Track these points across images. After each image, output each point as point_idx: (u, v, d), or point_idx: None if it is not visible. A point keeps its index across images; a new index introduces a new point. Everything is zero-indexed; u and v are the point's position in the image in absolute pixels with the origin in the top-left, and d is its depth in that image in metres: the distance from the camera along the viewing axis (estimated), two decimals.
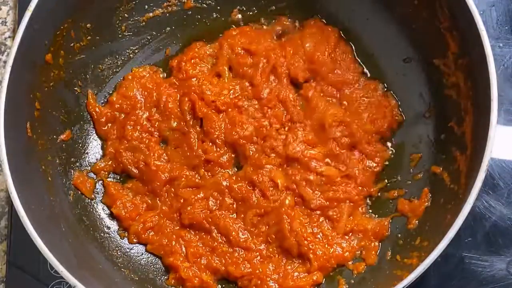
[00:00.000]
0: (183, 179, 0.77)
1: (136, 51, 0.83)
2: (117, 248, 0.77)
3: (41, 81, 0.73)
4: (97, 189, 0.79)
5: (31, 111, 0.72)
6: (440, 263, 0.69)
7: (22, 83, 0.69)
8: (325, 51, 0.80)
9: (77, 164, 0.79)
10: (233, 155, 0.78)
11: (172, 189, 0.78)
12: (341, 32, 0.82)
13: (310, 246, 0.74)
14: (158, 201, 0.78)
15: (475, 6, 0.64)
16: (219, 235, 0.76)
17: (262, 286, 0.73)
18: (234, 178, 0.77)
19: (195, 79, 0.80)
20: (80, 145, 0.80)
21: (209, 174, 0.78)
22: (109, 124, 0.81)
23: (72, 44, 0.77)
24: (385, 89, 0.80)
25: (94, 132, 0.81)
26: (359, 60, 0.82)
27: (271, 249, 0.75)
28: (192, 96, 0.79)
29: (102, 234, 0.77)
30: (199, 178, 0.78)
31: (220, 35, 0.83)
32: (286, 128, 0.78)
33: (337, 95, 0.80)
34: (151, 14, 0.83)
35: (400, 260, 0.71)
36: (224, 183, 0.77)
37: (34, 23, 0.68)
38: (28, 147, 0.71)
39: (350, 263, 0.75)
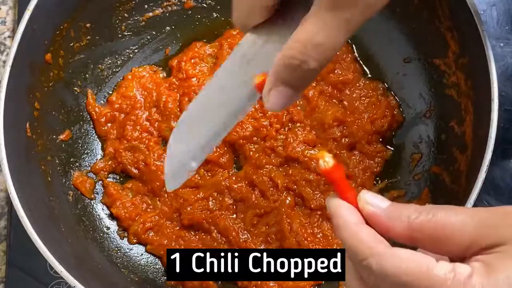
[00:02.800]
0: None
1: (136, 51, 0.83)
2: (116, 249, 0.77)
3: (41, 81, 0.73)
4: (97, 189, 0.79)
5: (30, 111, 0.72)
6: None
7: (21, 83, 0.69)
8: None
9: (77, 164, 0.79)
10: (233, 155, 0.78)
11: None
12: None
13: (310, 246, 0.74)
14: (158, 201, 0.78)
15: (475, 6, 0.64)
16: (219, 235, 0.75)
17: (262, 286, 0.73)
18: (234, 178, 0.77)
19: (195, 79, 0.80)
20: (80, 145, 0.79)
21: (209, 174, 0.78)
22: (109, 124, 0.81)
23: (71, 44, 0.77)
24: (385, 89, 0.80)
25: (94, 132, 0.81)
26: (359, 60, 0.81)
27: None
28: (192, 96, 0.79)
29: (101, 234, 0.77)
30: (199, 178, 0.78)
31: (220, 35, 0.83)
32: (286, 128, 0.78)
33: (337, 95, 0.80)
34: (151, 14, 0.83)
35: None
36: (224, 183, 0.77)
37: (33, 23, 0.68)
38: (28, 147, 0.70)
39: None
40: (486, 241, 0.41)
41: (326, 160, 0.44)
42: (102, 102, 0.82)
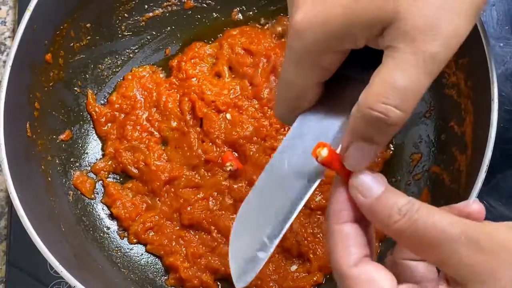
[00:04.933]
0: (183, 179, 0.77)
1: (136, 51, 0.83)
2: (116, 248, 0.77)
3: (41, 81, 0.73)
4: (97, 189, 0.79)
5: (30, 111, 0.72)
6: None
7: (21, 83, 0.69)
8: None
9: (77, 164, 0.79)
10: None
11: (172, 189, 0.78)
12: None
13: (310, 246, 0.74)
14: (158, 201, 0.78)
15: None
16: (219, 235, 0.75)
17: (262, 286, 0.73)
18: (234, 178, 0.77)
19: (195, 79, 0.80)
20: (80, 145, 0.79)
21: (209, 174, 0.78)
22: (109, 124, 0.81)
23: (71, 44, 0.77)
24: None
25: (94, 132, 0.81)
26: None
27: None
28: (192, 96, 0.79)
29: (102, 234, 0.77)
30: (199, 178, 0.78)
31: (220, 35, 0.83)
32: (286, 128, 0.78)
33: None
34: (151, 14, 0.83)
35: None
36: (224, 183, 0.76)
37: (34, 23, 0.68)
38: (28, 147, 0.71)
39: None
40: (453, 273, 0.41)
41: (320, 152, 0.44)
42: (102, 102, 0.82)
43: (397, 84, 0.41)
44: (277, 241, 0.47)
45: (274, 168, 0.49)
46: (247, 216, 0.50)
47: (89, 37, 0.79)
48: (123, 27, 0.82)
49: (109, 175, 0.80)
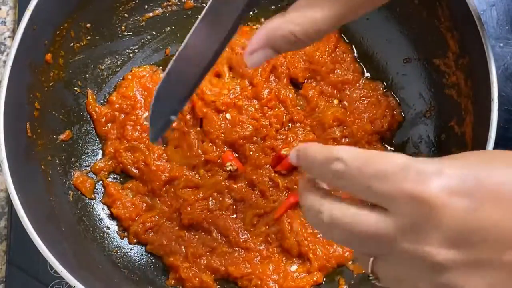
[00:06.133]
0: (182, 179, 0.77)
1: (136, 51, 0.83)
2: (117, 248, 0.77)
3: (41, 81, 0.73)
4: (97, 189, 0.79)
5: (30, 111, 0.72)
6: None
7: (21, 83, 0.69)
8: (325, 51, 0.80)
9: (77, 164, 0.79)
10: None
11: (172, 189, 0.78)
12: (341, 32, 0.82)
13: (310, 246, 0.74)
14: (158, 201, 0.78)
15: (475, 6, 0.64)
16: (219, 235, 0.76)
17: (262, 286, 0.73)
18: (234, 178, 0.77)
19: None
20: (80, 145, 0.79)
21: (209, 174, 0.78)
22: (109, 124, 0.81)
23: (71, 44, 0.77)
24: (385, 89, 0.80)
25: (94, 132, 0.81)
26: (359, 60, 0.82)
27: (271, 249, 0.75)
28: (192, 96, 0.79)
29: (102, 234, 0.77)
30: (199, 178, 0.78)
31: None
32: (286, 128, 0.78)
33: (337, 95, 0.80)
34: (151, 14, 0.83)
35: None
36: (224, 183, 0.77)
37: (34, 23, 0.68)
38: (28, 147, 0.71)
39: (350, 263, 0.75)
40: None
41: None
42: (102, 102, 0.82)
43: (316, 21, 0.51)
44: (184, 104, 0.59)
45: (189, 44, 0.56)
46: (165, 83, 0.58)
47: (89, 37, 0.79)
48: (123, 27, 0.82)
49: (109, 175, 0.80)
